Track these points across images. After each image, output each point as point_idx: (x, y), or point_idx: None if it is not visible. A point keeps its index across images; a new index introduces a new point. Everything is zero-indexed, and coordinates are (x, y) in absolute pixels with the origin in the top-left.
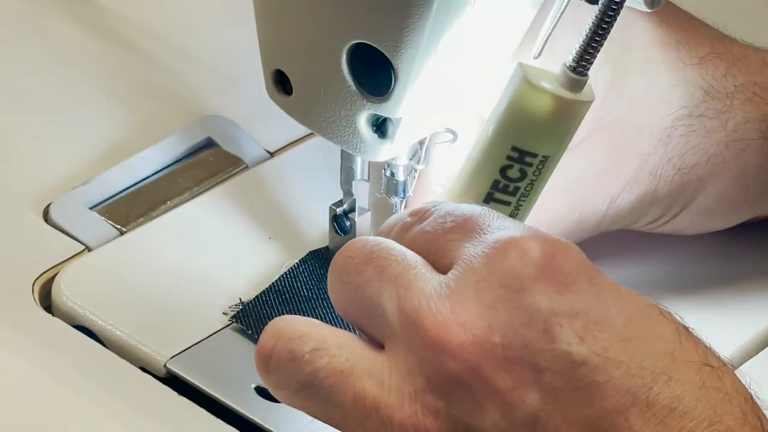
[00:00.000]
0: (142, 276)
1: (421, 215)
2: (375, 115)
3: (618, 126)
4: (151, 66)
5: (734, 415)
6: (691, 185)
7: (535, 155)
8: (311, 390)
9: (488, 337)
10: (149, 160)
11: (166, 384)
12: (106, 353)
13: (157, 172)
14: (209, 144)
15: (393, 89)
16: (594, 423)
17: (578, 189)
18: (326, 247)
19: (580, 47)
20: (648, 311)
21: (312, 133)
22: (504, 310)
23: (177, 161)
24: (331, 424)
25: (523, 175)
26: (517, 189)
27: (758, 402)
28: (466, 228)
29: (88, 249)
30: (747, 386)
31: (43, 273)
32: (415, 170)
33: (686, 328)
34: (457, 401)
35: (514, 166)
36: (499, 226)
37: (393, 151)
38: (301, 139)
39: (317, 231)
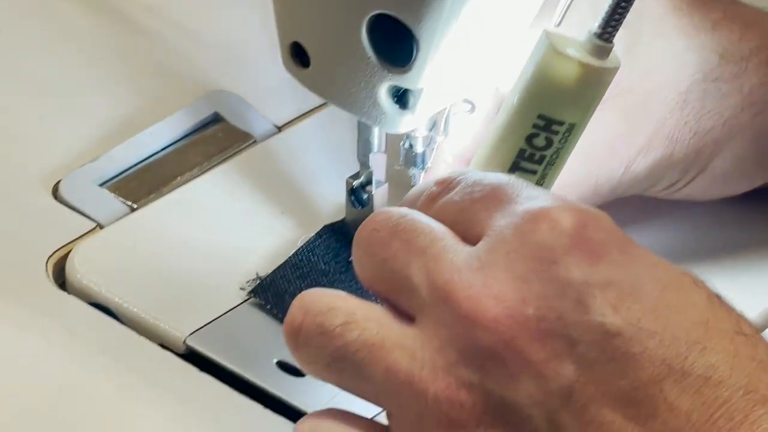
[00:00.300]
0: (156, 252)
1: (447, 185)
2: (395, 86)
3: (633, 91)
4: (155, 43)
5: None
6: (707, 149)
7: (561, 123)
8: (342, 364)
9: (522, 309)
10: (157, 136)
11: (186, 360)
12: (123, 330)
13: (165, 148)
14: (216, 119)
15: (414, 60)
16: (629, 394)
17: (594, 154)
18: (342, 220)
19: (606, 13)
20: (680, 280)
21: (320, 107)
22: (537, 282)
23: (185, 137)
24: (363, 398)
25: (549, 143)
26: (543, 157)
27: None
28: (494, 198)
29: (100, 226)
30: None
31: (56, 251)
32: (434, 142)
33: (719, 296)
34: (491, 374)
35: (540, 135)
36: (528, 195)
37: (413, 122)
38: (308, 112)
39: (330, 204)
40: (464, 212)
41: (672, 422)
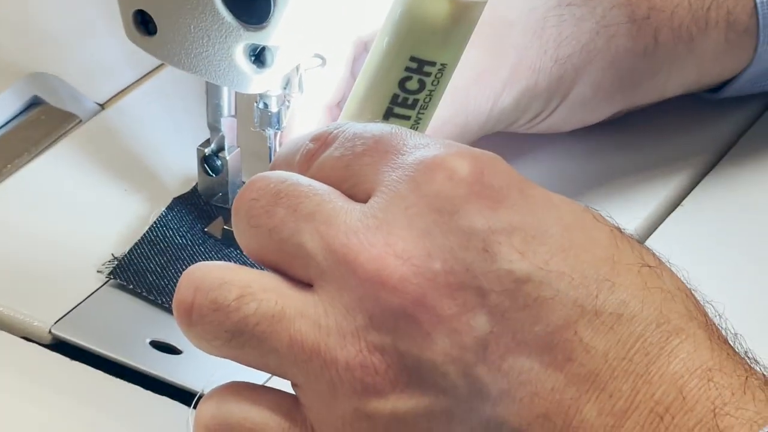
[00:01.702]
0: (2, 244)
1: (324, 140)
2: (253, 45)
3: (491, 24)
4: None
5: (680, 313)
6: (568, 76)
7: (433, 64)
8: (242, 339)
9: (429, 265)
10: None
11: (54, 351)
12: None
13: None
14: (36, 102)
15: (272, 15)
16: (544, 340)
17: (459, 91)
18: (191, 191)
19: None
20: (582, 217)
21: (142, 80)
22: (440, 235)
23: (6, 123)
24: (267, 371)
25: (422, 86)
26: (416, 101)
27: (697, 295)
28: (379, 150)
29: None
30: (685, 281)
31: None
32: (288, 100)
33: (619, 230)
34: (403, 335)
35: (413, 78)
36: (415, 144)
37: (270, 81)
38: (129, 87)
39: (173, 176)
40: (348, 168)
41: (589, 363)
